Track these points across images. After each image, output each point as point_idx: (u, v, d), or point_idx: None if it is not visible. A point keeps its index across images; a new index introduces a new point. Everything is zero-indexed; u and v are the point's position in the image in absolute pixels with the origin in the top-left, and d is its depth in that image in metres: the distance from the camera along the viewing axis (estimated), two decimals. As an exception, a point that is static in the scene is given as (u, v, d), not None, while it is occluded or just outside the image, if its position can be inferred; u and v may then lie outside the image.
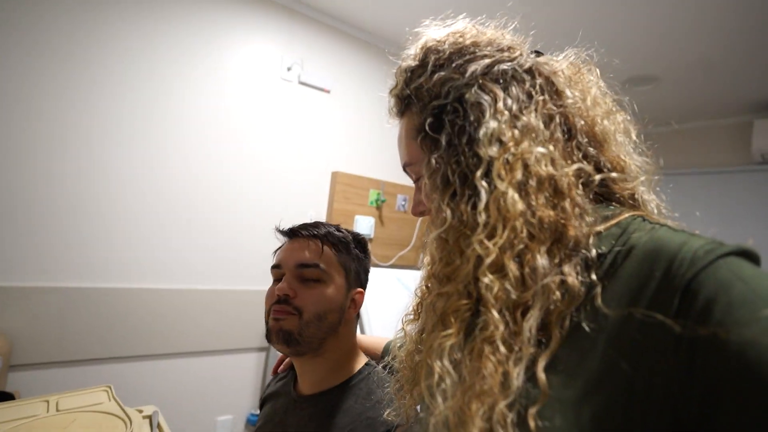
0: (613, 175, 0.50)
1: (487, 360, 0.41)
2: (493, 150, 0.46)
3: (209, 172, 1.77)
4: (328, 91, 2.11)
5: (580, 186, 0.47)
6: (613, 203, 0.49)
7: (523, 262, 0.43)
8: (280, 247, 0.89)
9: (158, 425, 0.81)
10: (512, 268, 0.43)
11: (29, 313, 1.40)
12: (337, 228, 0.88)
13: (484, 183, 0.46)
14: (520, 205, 0.44)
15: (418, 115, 0.53)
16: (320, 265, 0.81)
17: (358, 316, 0.89)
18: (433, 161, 0.49)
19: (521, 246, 0.44)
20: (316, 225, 0.87)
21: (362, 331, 1.80)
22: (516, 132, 0.47)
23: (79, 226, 1.49)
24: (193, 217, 1.73)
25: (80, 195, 1.50)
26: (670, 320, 0.36)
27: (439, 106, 0.50)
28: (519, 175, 0.45)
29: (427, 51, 0.53)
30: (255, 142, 1.89)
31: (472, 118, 0.48)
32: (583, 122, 0.50)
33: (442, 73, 0.51)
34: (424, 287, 0.61)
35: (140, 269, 1.62)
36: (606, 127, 0.51)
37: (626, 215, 0.47)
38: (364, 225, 2.16)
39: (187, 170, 1.72)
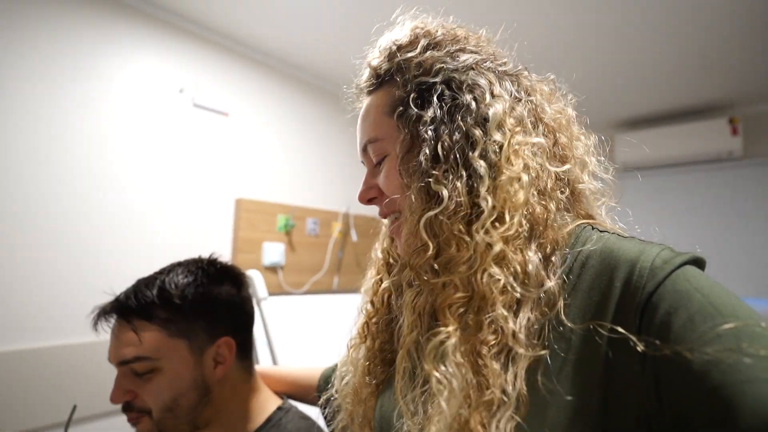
0: (580, 187, 0.49)
1: (491, 365, 0.38)
2: (498, 135, 0.44)
3: (94, 209, 1.56)
4: (226, 114, 2.00)
5: (558, 189, 0.47)
6: (564, 212, 0.48)
7: (523, 257, 0.41)
8: None
9: None
10: (515, 261, 0.40)
11: None
12: (168, 280, 0.71)
13: (483, 164, 0.43)
14: (522, 196, 0.42)
15: (398, 89, 0.49)
16: (143, 356, 0.66)
17: (249, 355, 0.77)
18: (415, 137, 0.46)
19: (521, 239, 0.41)
20: (132, 291, 0.70)
21: (275, 363, 1.69)
22: (513, 121, 0.46)
23: None
24: (66, 263, 1.50)
25: None
26: (634, 337, 0.35)
27: (427, 83, 0.47)
28: (520, 165, 0.43)
29: (417, 32, 0.51)
30: (146, 172, 1.72)
31: (470, 98, 0.45)
32: (561, 135, 0.50)
33: (434, 53, 0.49)
34: (375, 299, 0.59)
35: (14, 327, 1.35)
36: (577, 146, 0.52)
37: (577, 223, 0.47)
38: (273, 252, 2.06)
39: (62, 208, 1.49)
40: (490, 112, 0.45)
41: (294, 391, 0.83)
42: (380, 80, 0.52)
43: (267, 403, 0.76)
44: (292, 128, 2.28)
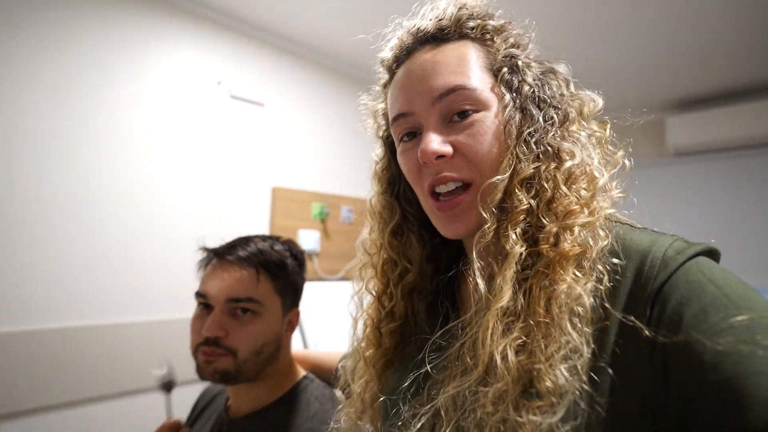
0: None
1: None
2: (594, 123, 0.49)
3: (137, 196, 1.65)
4: (262, 105, 2.04)
5: None
6: None
7: None
8: (204, 264, 0.81)
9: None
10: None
11: None
12: (273, 244, 0.81)
13: (587, 138, 0.48)
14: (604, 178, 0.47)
15: (498, 52, 0.49)
16: (255, 299, 0.74)
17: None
18: (527, 99, 0.47)
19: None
20: (249, 243, 0.79)
21: (305, 345, 1.74)
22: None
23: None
24: (120, 246, 1.60)
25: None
26: (646, 329, 0.35)
27: (518, 56, 0.49)
28: (595, 151, 0.49)
29: (489, 9, 0.52)
30: (187, 162, 1.79)
31: (556, 84, 0.49)
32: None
33: (516, 32, 0.51)
34: (385, 302, 0.57)
35: (59, 307, 1.46)
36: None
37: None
38: (308, 239, 2.10)
39: (114, 194, 1.59)
40: (589, 103, 0.50)
41: (315, 372, 0.88)
42: (465, 33, 0.49)
43: (297, 372, 0.85)
44: (326, 117, 2.30)
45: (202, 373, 0.74)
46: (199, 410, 0.91)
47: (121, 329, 1.57)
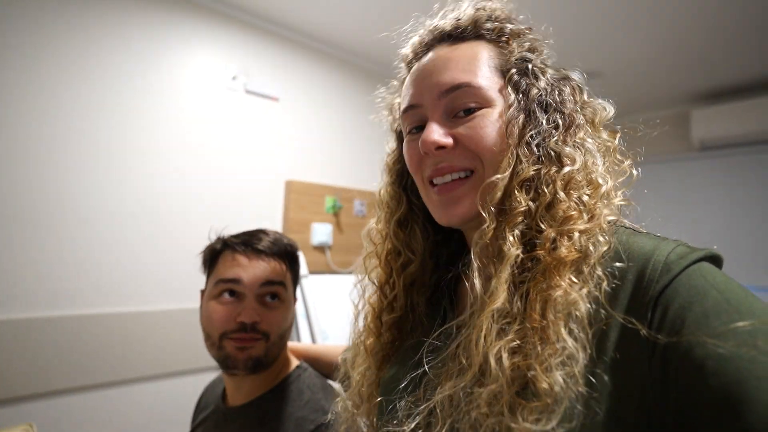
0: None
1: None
2: (605, 133, 0.50)
3: (154, 190, 1.70)
4: (276, 99, 2.06)
5: None
6: None
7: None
8: (215, 252, 0.83)
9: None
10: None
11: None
12: (283, 237, 0.86)
13: (593, 145, 0.48)
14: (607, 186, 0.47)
15: (511, 54, 0.49)
16: (285, 284, 0.80)
17: None
18: (532, 101, 0.47)
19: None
20: (269, 235, 0.84)
21: (313, 337, 1.76)
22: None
23: (6, 252, 1.39)
24: (136, 237, 1.65)
25: (6, 218, 1.39)
26: (644, 329, 0.35)
27: (531, 59, 0.49)
28: (601, 159, 0.48)
29: (509, 12, 0.54)
30: (201, 156, 1.83)
31: (569, 90, 0.50)
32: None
33: (533, 37, 0.52)
34: (387, 292, 0.58)
35: (75, 295, 1.52)
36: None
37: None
38: (321, 233, 2.12)
39: (130, 188, 1.64)
40: (601, 112, 0.50)
41: (312, 364, 0.90)
42: (481, 33, 0.51)
43: (292, 360, 0.88)
44: (339, 111, 2.30)
45: (235, 361, 0.74)
46: (202, 406, 0.94)
47: (134, 317, 1.62)
